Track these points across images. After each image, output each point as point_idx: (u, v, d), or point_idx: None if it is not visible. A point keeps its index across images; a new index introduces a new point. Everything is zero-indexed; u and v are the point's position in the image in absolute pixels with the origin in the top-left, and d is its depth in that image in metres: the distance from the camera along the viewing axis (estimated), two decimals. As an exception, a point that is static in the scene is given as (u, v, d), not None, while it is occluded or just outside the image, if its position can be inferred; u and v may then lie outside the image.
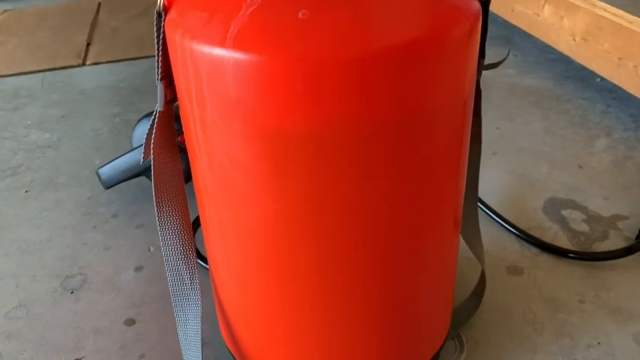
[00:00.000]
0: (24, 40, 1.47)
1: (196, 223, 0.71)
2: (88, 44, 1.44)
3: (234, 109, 0.36)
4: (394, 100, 0.36)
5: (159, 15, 0.41)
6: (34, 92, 1.22)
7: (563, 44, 1.06)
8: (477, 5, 0.39)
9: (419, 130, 0.38)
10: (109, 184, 0.82)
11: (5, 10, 1.69)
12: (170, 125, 0.46)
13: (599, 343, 0.59)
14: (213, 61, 0.35)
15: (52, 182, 0.91)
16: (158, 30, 0.42)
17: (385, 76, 0.35)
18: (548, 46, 1.12)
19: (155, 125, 0.45)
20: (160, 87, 0.43)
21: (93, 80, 1.26)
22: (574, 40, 1.02)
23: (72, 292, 0.70)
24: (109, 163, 0.81)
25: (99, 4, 1.72)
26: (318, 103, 0.35)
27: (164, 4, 0.41)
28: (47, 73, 1.30)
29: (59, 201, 0.87)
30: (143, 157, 0.46)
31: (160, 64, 0.42)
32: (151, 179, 0.84)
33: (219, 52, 0.35)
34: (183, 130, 0.44)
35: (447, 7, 0.37)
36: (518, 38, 1.30)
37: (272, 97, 0.35)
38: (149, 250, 0.76)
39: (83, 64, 1.34)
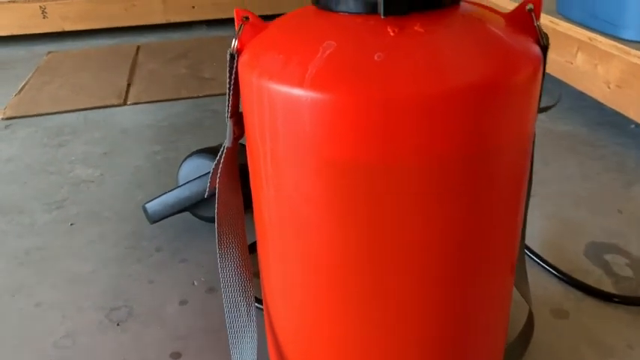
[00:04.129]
0: (67, 80, 1.53)
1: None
2: (129, 85, 1.49)
3: (308, 144, 0.38)
4: (462, 139, 0.37)
5: (232, 57, 0.44)
6: (77, 130, 1.26)
7: (598, 91, 1.07)
8: (539, 50, 0.41)
9: (485, 168, 0.39)
10: (155, 219, 0.84)
11: (50, 52, 1.77)
12: (235, 160, 0.48)
13: (651, 390, 0.58)
14: (290, 100, 0.37)
15: (96, 216, 0.94)
16: (231, 71, 0.44)
17: (454, 115, 0.37)
18: (580, 93, 1.13)
19: (222, 160, 0.47)
20: (229, 124, 0.46)
21: (133, 119, 1.30)
22: (609, 87, 1.04)
23: (118, 324, 0.71)
24: (155, 198, 0.84)
25: (138, 47, 1.79)
26: (388, 139, 0.37)
27: (237, 47, 0.44)
28: (89, 112, 1.35)
29: (103, 234, 0.89)
30: (209, 187, 0.48)
31: (230, 102, 0.45)
32: (195, 215, 0.87)
33: (297, 92, 0.37)
34: (249, 165, 0.46)
35: (514, 52, 0.39)
36: (551, 85, 1.32)
37: (345, 134, 0.37)
38: (193, 284, 0.77)
39: (124, 103, 1.39)
